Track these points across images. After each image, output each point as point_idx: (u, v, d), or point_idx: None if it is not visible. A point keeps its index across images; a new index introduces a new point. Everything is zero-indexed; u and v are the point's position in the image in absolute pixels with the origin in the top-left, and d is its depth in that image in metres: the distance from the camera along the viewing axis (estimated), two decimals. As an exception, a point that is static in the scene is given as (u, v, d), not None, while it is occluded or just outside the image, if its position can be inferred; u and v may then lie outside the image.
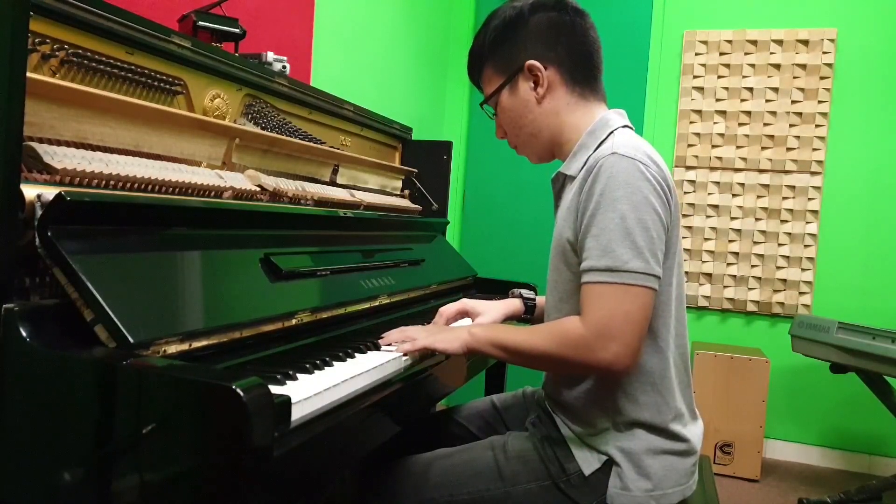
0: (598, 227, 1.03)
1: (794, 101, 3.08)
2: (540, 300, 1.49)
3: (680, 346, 1.14)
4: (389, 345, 1.19)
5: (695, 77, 3.20)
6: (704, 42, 3.19)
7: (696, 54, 3.20)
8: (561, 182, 1.21)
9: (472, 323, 1.36)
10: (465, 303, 1.39)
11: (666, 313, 1.10)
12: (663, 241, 1.05)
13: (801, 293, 3.09)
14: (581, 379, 1.13)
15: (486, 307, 1.39)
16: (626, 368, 1.02)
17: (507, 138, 1.27)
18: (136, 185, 1.05)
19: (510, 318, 1.45)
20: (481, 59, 1.24)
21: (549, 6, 1.18)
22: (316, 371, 0.97)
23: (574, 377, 1.15)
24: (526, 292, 1.49)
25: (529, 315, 1.48)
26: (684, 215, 3.22)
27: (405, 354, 1.15)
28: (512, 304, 1.45)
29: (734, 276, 3.17)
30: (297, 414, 0.81)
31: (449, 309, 1.37)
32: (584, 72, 1.19)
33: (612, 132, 1.14)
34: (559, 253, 1.15)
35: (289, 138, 1.50)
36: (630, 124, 1.19)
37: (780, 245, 3.11)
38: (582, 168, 1.13)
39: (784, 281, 3.11)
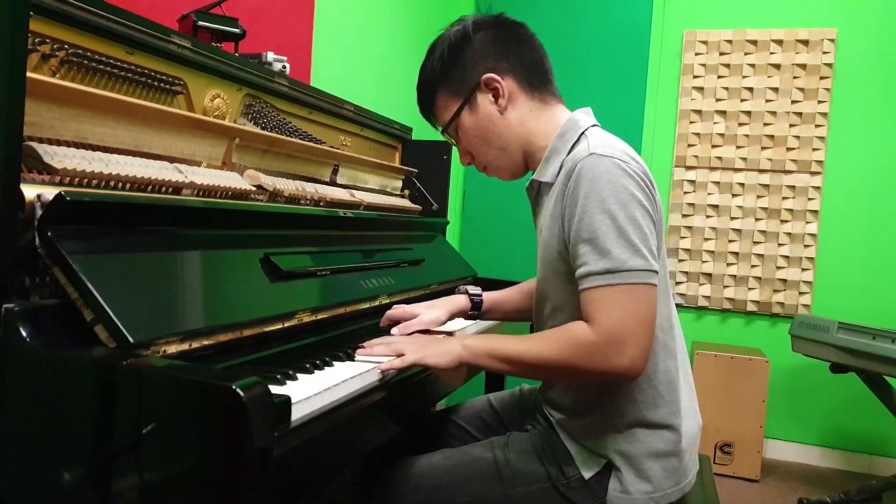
0: (588, 230, 1.00)
1: (794, 101, 3.08)
2: (489, 296, 1.44)
3: (674, 338, 1.13)
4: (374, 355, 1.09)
5: (695, 77, 3.20)
6: (704, 42, 3.19)
7: (696, 54, 3.20)
8: (536, 189, 1.20)
9: (430, 321, 1.31)
10: (406, 308, 1.32)
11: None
12: (654, 236, 1.04)
13: (801, 293, 3.09)
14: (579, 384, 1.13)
15: (426, 307, 1.33)
16: (641, 371, 0.99)
17: (475, 162, 1.24)
18: (136, 185, 1.05)
19: (458, 316, 1.40)
20: (433, 87, 1.21)
21: (489, 24, 1.18)
22: (316, 371, 0.97)
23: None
24: (472, 288, 1.44)
25: (477, 311, 1.42)
26: (684, 215, 3.22)
27: (392, 370, 1.05)
28: (457, 302, 1.39)
29: (734, 276, 3.17)
30: (297, 414, 0.81)
31: (394, 313, 1.31)
32: (538, 77, 1.19)
33: (583, 133, 1.13)
34: (548, 263, 1.13)
35: (289, 138, 1.50)
36: (597, 122, 1.18)
37: (780, 245, 3.11)
38: (558, 173, 1.11)
39: (784, 281, 3.11)
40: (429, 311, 1.32)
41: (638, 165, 1.05)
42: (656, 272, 1.01)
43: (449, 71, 1.19)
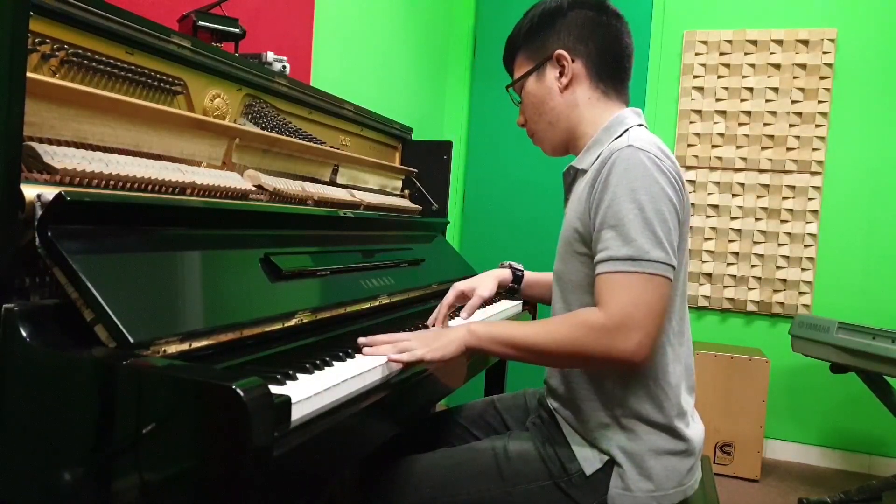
0: (616, 217, 1.03)
1: (794, 101, 3.08)
2: (528, 274, 1.56)
3: (683, 343, 1.15)
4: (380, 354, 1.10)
5: (695, 77, 3.20)
6: (704, 42, 3.19)
7: (696, 54, 3.20)
8: (572, 176, 1.23)
9: (482, 297, 1.40)
10: (456, 286, 1.40)
11: (670, 308, 1.10)
12: (678, 233, 1.06)
13: (801, 293, 3.09)
14: (584, 372, 1.13)
15: (478, 280, 1.44)
16: (645, 359, 1.01)
17: (527, 126, 1.30)
18: (136, 185, 1.05)
19: (501, 285, 1.51)
20: (516, 45, 1.28)
21: (589, 4, 1.22)
22: (316, 371, 0.97)
23: (578, 370, 1.14)
24: (515, 264, 1.56)
25: (517, 285, 1.54)
26: (684, 215, 3.22)
27: (398, 364, 1.08)
28: (501, 273, 1.51)
29: (734, 276, 3.17)
30: (297, 414, 0.81)
31: (448, 299, 1.37)
32: (610, 71, 1.22)
33: (627, 129, 1.15)
34: (567, 243, 1.15)
35: (289, 138, 1.50)
36: (645, 123, 1.21)
37: (780, 245, 3.11)
38: (595, 161, 1.14)
39: (784, 281, 3.11)
40: (482, 285, 1.42)
41: (672, 164, 1.08)
42: (674, 267, 1.03)
43: (534, 34, 1.25)
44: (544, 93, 1.23)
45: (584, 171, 1.17)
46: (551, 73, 1.22)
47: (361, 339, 1.12)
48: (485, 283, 1.43)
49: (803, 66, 3.07)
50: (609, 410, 1.10)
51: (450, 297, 1.38)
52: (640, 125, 1.18)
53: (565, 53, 1.20)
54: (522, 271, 1.55)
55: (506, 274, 1.52)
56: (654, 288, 1.00)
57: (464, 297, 1.40)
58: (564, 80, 1.21)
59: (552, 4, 1.23)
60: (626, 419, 1.09)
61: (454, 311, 1.46)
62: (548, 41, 1.22)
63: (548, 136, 1.26)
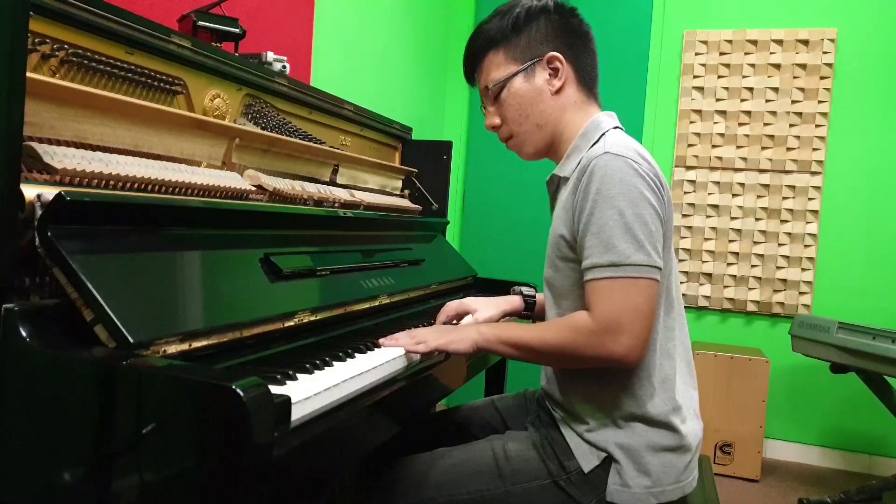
0: (597, 224, 1.04)
1: (794, 101, 3.08)
2: (540, 297, 1.53)
3: (672, 339, 1.15)
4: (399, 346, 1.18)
5: (695, 77, 3.20)
6: (704, 42, 3.19)
7: (696, 54, 3.20)
8: (556, 184, 1.24)
9: (478, 322, 1.39)
10: (464, 301, 1.43)
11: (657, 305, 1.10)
12: (661, 234, 1.08)
13: (801, 293, 3.09)
14: (577, 374, 1.14)
15: (484, 304, 1.43)
16: (638, 359, 1.04)
17: (500, 129, 1.26)
18: (136, 185, 1.05)
19: (510, 315, 1.49)
20: (492, 43, 1.23)
21: (566, 12, 1.23)
22: (316, 371, 0.97)
23: (570, 373, 1.16)
24: (526, 289, 1.53)
25: (530, 312, 1.51)
26: (684, 215, 3.22)
27: (417, 355, 1.16)
28: (511, 301, 1.49)
29: (734, 276, 3.17)
30: (297, 414, 0.81)
31: (450, 307, 1.41)
32: (588, 76, 1.24)
33: (603, 134, 1.16)
34: (554, 250, 1.17)
35: (289, 138, 1.50)
36: (620, 125, 1.22)
37: (780, 245, 3.11)
38: (575, 168, 1.15)
39: (784, 281, 3.11)
40: (484, 310, 1.41)
41: (649, 167, 1.09)
42: (659, 268, 1.05)
43: (520, 33, 1.21)
44: (534, 94, 1.21)
45: (567, 179, 1.18)
46: (541, 74, 1.20)
47: (383, 339, 1.19)
48: (487, 309, 1.42)
49: (803, 66, 3.07)
50: (603, 408, 1.12)
51: (451, 308, 1.40)
52: (615, 128, 1.19)
53: (560, 56, 1.20)
54: (534, 297, 1.52)
55: (515, 304, 1.49)
56: (638, 291, 1.02)
57: (465, 313, 1.42)
58: (557, 83, 1.20)
59: (535, 4, 1.22)
60: (620, 416, 1.11)
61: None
62: (537, 41, 1.20)
63: (532, 138, 1.24)
